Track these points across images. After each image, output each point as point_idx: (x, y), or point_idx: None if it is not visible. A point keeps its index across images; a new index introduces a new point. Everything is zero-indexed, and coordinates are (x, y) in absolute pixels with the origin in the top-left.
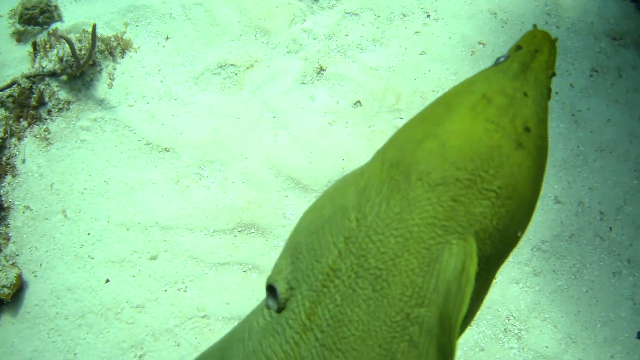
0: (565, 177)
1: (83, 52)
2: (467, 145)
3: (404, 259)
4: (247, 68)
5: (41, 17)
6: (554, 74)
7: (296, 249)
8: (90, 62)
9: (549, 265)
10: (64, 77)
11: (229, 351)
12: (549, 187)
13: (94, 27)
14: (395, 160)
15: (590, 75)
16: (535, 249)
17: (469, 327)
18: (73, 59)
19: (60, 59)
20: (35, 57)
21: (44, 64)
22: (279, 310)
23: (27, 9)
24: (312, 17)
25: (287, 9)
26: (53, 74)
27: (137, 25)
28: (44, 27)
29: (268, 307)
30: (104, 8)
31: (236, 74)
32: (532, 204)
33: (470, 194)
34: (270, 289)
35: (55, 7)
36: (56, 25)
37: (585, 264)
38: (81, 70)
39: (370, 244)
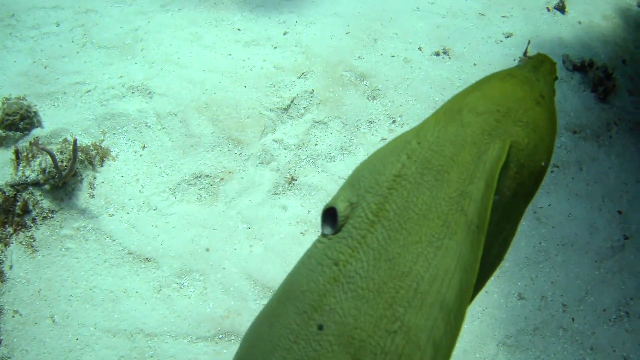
0: (529, 273)
1: (64, 163)
2: (502, 95)
3: (461, 156)
4: (222, 179)
5: (22, 123)
6: (556, 78)
7: (355, 178)
8: (72, 174)
9: (514, 358)
10: (47, 187)
11: (292, 286)
12: (512, 284)
13: (75, 142)
14: (448, 108)
15: (552, 172)
16: (500, 344)
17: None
18: (55, 171)
19: (43, 170)
20: (18, 165)
21: (27, 173)
22: (336, 232)
23: (7, 115)
24: (283, 127)
25: (258, 119)
26: (36, 184)
27: (114, 133)
28: (25, 132)
29: (324, 235)
30: (81, 115)
31: (211, 185)
32: (550, 146)
33: (507, 119)
34: (325, 218)
35: (35, 113)
36: (36, 130)
37: (550, 355)
38: (63, 181)
39: (433, 153)
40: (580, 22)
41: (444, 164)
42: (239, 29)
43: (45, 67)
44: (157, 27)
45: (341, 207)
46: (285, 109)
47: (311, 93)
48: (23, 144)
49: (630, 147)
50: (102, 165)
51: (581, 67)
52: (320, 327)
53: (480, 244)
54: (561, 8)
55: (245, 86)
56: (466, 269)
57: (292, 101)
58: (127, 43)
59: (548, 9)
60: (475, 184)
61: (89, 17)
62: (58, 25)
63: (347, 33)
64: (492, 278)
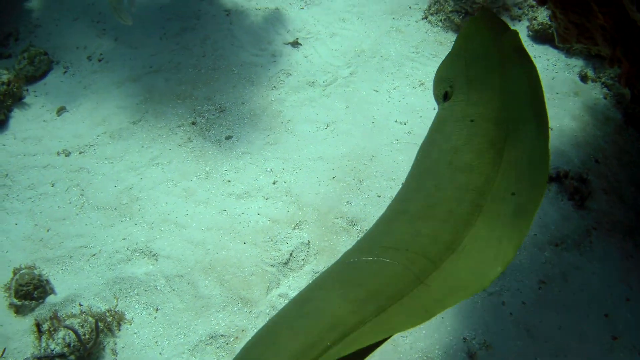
0: None
1: (87, 336)
2: None
3: None
4: (236, 338)
5: (35, 292)
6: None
7: (440, 79)
8: (95, 347)
9: None
10: (73, 357)
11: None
12: None
13: (97, 322)
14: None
15: (539, 288)
16: None
17: None
18: (80, 344)
19: (67, 344)
20: (41, 338)
21: (52, 346)
22: (446, 100)
23: (21, 285)
24: (286, 281)
25: (261, 276)
26: (62, 356)
27: (126, 297)
28: (40, 300)
29: (441, 102)
30: (91, 279)
31: (227, 344)
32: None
33: None
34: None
35: (47, 281)
36: (50, 297)
37: None
38: (88, 353)
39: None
40: (551, 129)
41: None
42: (229, 181)
43: (48, 231)
44: (150, 184)
45: (449, 91)
46: (285, 263)
47: (307, 244)
48: (40, 312)
49: (609, 249)
50: (119, 330)
51: (557, 178)
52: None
53: None
54: None
55: (244, 243)
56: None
57: (290, 254)
58: (124, 203)
59: None
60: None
61: (82, 175)
62: (53, 185)
63: (333, 177)
64: None
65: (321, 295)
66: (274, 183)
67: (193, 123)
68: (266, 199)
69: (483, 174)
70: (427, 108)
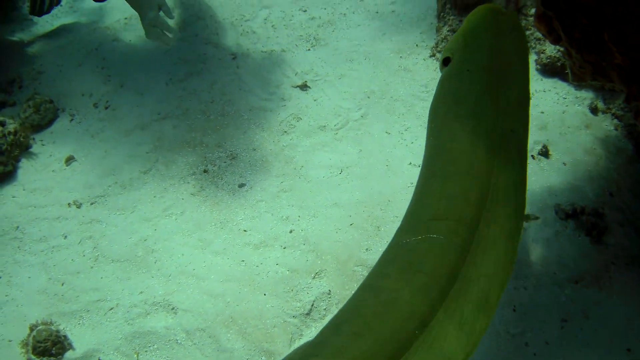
0: None
1: None
2: None
3: None
4: None
5: (54, 348)
6: None
7: (443, 53)
8: None
9: None
10: None
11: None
12: None
13: None
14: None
15: (562, 327)
16: None
17: None
18: None
19: None
20: None
21: None
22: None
23: (39, 342)
24: (308, 331)
25: (284, 328)
26: None
27: (146, 351)
28: (58, 357)
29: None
30: (109, 334)
31: None
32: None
33: None
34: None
35: (65, 336)
36: (69, 353)
37: None
38: None
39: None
40: (564, 164)
41: None
42: (245, 230)
43: (63, 285)
44: (165, 235)
45: (451, 56)
46: (307, 314)
47: (328, 294)
48: None
49: (629, 283)
50: None
51: (573, 215)
52: None
53: None
54: (545, 153)
55: (265, 294)
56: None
57: (312, 305)
58: (140, 255)
59: (533, 157)
60: None
61: (95, 227)
62: (65, 237)
63: (350, 224)
64: None
65: (390, 285)
66: (290, 232)
67: (205, 171)
68: (284, 248)
69: (486, 117)
70: None
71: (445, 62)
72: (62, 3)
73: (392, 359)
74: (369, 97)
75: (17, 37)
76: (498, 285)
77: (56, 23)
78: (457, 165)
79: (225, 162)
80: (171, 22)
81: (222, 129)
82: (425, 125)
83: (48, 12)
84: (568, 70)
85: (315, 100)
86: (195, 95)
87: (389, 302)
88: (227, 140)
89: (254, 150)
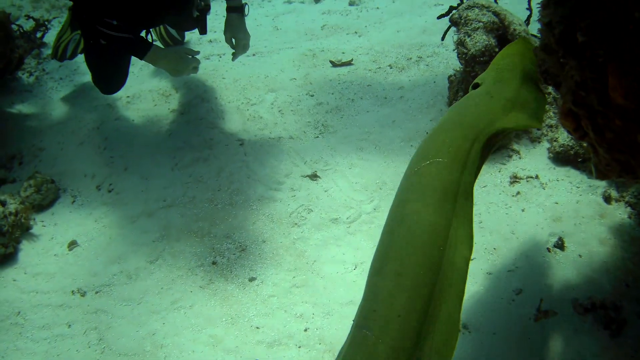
0: None
1: None
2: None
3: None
4: None
5: None
6: None
7: (484, 77)
8: None
9: None
10: None
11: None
12: None
13: None
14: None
15: None
16: None
17: None
18: None
19: None
20: None
21: None
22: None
23: None
24: None
25: None
26: None
27: None
28: None
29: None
30: None
31: None
32: None
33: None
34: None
35: None
36: None
37: None
38: None
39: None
40: (580, 256)
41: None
42: (257, 327)
43: None
44: (174, 330)
45: (480, 83)
46: None
47: None
48: None
49: None
50: None
51: (592, 309)
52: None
53: None
54: (560, 246)
55: None
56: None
57: None
58: (148, 350)
59: (549, 250)
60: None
61: (100, 318)
62: (70, 326)
63: None
64: None
65: (411, 208)
66: (305, 330)
67: (213, 263)
68: (299, 347)
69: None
70: None
71: (474, 87)
72: (63, 76)
73: (430, 286)
74: (380, 189)
75: (16, 109)
76: None
77: (56, 97)
78: (464, 119)
79: (234, 254)
80: (175, 104)
81: (231, 219)
82: None
83: (71, 58)
84: (592, 168)
85: (325, 191)
86: (202, 183)
87: (414, 224)
88: (235, 232)
89: (264, 242)
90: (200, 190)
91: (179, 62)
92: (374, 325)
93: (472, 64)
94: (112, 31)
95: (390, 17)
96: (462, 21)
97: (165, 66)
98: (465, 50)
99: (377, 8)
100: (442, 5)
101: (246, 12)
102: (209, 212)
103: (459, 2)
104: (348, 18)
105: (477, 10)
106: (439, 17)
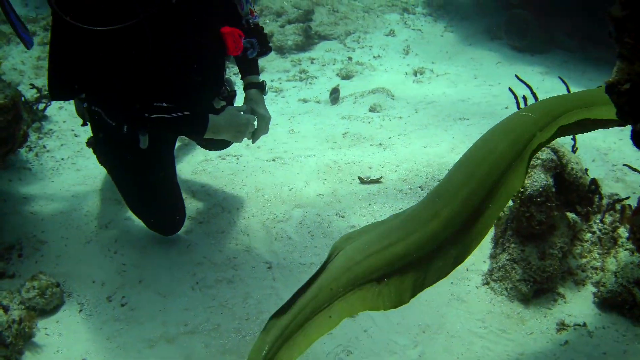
0: None
1: None
2: None
3: None
4: None
5: None
6: None
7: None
8: None
9: None
10: None
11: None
12: None
13: None
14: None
15: None
16: None
17: None
18: None
19: None
20: None
21: None
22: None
23: None
24: None
25: None
26: None
27: None
28: None
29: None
30: None
31: None
32: None
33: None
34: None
35: None
36: None
37: None
38: None
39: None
40: None
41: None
42: None
43: None
44: None
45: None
46: None
47: None
48: None
49: None
50: None
51: None
52: None
53: None
54: None
55: None
56: None
57: None
58: None
59: None
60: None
61: None
62: None
63: None
64: None
65: (495, 137)
66: None
67: None
68: None
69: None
70: None
71: None
72: (65, 157)
73: (487, 190)
74: (424, 332)
75: (14, 188)
76: None
77: (56, 179)
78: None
79: None
80: (193, 211)
81: None
82: None
83: (68, 99)
84: None
85: (365, 331)
86: (227, 309)
87: (492, 147)
88: None
89: None
90: (225, 317)
91: (240, 123)
92: (443, 198)
93: (528, 204)
94: (165, 114)
95: (415, 129)
96: None
97: (227, 133)
98: (521, 189)
99: (400, 118)
100: (468, 119)
101: (265, 92)
102: (236, 343)
103: None
104: (370, 127)
105: None
106: None
